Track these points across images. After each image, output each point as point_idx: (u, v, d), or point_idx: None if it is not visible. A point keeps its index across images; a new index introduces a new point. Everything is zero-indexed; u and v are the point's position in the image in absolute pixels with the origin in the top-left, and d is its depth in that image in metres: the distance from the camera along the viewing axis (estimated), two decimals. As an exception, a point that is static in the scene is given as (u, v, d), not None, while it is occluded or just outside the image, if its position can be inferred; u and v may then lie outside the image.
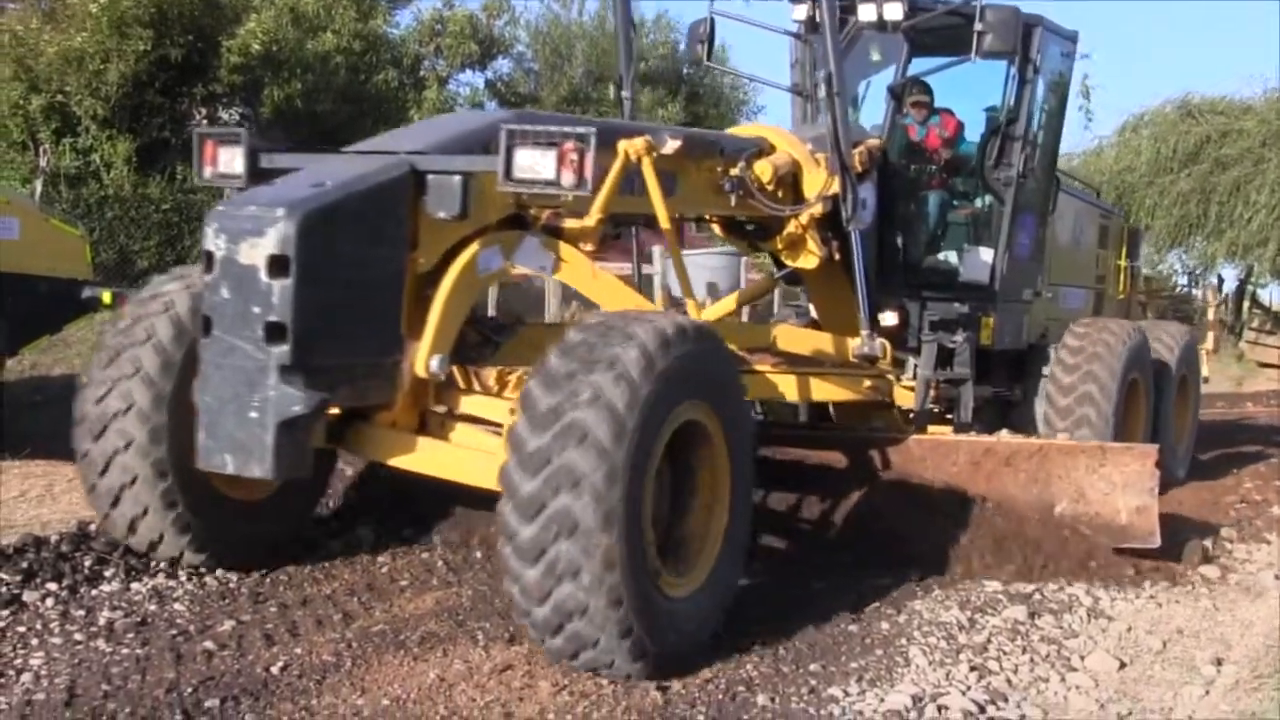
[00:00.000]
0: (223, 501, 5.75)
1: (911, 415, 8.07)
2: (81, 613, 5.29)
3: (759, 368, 7.30)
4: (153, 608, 5.43)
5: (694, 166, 6.58)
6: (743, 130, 7.80)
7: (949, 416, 8.32)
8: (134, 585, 5.68)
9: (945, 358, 8.28)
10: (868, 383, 7.88)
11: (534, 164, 5.05)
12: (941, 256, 8.97)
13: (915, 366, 8.21)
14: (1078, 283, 10.62)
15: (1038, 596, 6.32)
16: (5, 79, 17.50)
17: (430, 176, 5.21)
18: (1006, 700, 4.80)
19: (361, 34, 19.94)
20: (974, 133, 8.97)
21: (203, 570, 5.88)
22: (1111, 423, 8.57)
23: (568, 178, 5.02)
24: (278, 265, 4.83)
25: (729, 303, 8.49)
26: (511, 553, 4.55)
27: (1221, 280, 32.10)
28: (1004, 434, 7.77)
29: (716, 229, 8.03)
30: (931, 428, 8.00)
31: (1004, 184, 8.60)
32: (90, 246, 13.03)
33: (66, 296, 9.62)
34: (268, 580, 5.92)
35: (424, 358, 5.26)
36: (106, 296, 10.62)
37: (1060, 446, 7.21)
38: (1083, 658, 5.38)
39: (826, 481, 7.15)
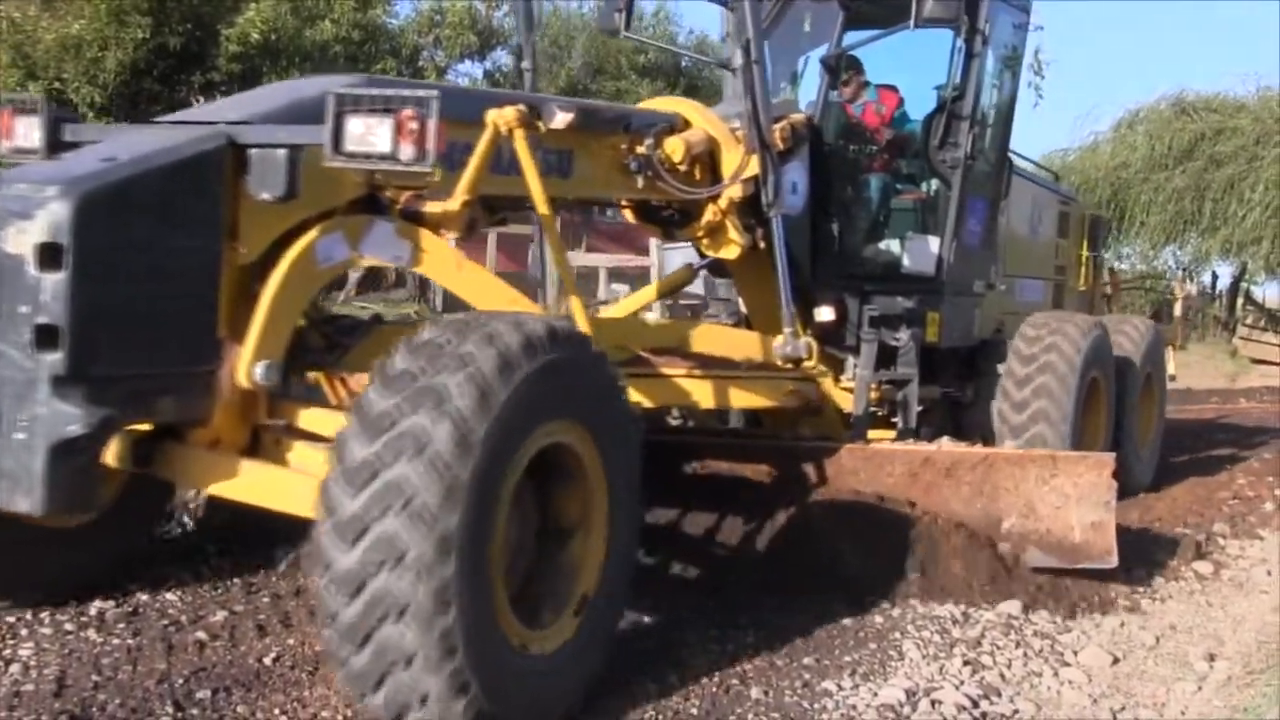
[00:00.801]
0: (23, 531, 4.48)
1: (851, 419, 6.89)
2: (72, 601, 4.87)
3: (667, 371, 6.08)
4: (144, 597, 5.03)
5: (595, 143, 5.49)
6: (658, 104, 6.60)
7: (894, 420, 7.16)
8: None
9: (888, 356, 7.12)
10: (790, 387, 6.56)
11: (367, 134, 3.94)
12: (883, 246, 7.74)
13: (855, 366, 7.04)
14: (1035, 274, 9.39)
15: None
16: (3, 66, 16.69)
17: (252, 151, 4.08)
18: (1000, 695, 4.58)
19: (360, 24, 18.97)
20: (924, 112, 7.73)
21: (195, 559, 5.43)
22: (1070, 426, 7.45)
23: (407, 150, 3.93)
24: (49, 255, 3.69)
25: (643, 296, 7.31)
26: (328, 584, 3.51)
27: (1216, 276, 30.94)
28: (945, 441, 6.54)
29: (629, 215, 6.81)
30: (875, 432, 6.90)
31: (950, 166, 7.37)
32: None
33: None
34: (261, 571, 5.50)
35: (246, 365, 4.13)
36: None
37: (1007, 455, 6.11)
38: (1076, 653, 5.12)
39: (747, 497, 6.01)
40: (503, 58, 23.40)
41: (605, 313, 7.07)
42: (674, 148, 5.80)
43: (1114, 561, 5.69)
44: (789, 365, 6.20)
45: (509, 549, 3.94)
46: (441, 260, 4.68)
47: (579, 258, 15.79)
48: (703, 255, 6.76)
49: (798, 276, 6.66)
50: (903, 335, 7.10)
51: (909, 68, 7.74)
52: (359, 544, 3.45)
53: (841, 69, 7.49)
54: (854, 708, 4.35)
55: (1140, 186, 26.53)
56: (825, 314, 6.98)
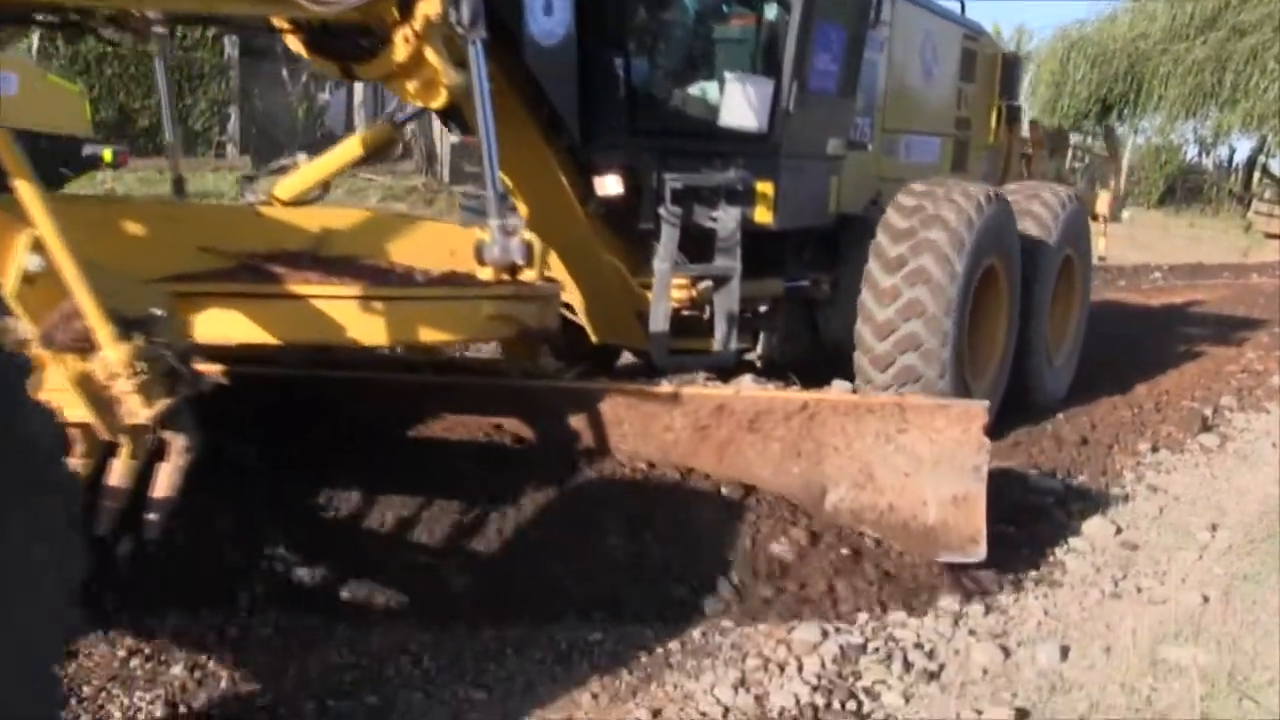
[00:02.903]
0: None
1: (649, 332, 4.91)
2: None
3: (295, 289, 3.98)
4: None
5: None
6: None
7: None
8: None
9: (706, 244, 5.10)
10: (490, 310, 4.09)
11: None
12: (694, 90, 5.47)
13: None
14: (928, 129, 7.17)
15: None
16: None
17: None
18: (1005, 563, 4.42)
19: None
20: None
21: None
22: (954, 324, 5.46)
23: None
24: None
25: (326, 165, 5.07)
26: None
27: (1233, 150, 30.28)
28: (746, 382, 4.57)
29: (295, 44, 4.52)
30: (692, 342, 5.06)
31: None
32: (90, 104, 12.09)
33: (68, 153, 9.06)
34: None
35: None
36: (108, 154, 9.92)
37: (835, 402, 4.18)
38: (1080, 523, 5.01)
39: (452, 473, 4.07)
40: None
41: (281, 191, 4.95)
42: None
43: (981, 553, 3.97)
44: (503, 275, 4.02)
45: None
46: None
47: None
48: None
49: (563, 133, 4.72)
50: (722, 214, 5.10)
51: None
52: None
53: None
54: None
55: (1159, 58, 23.97)
56: (611, 186, 5.03)
